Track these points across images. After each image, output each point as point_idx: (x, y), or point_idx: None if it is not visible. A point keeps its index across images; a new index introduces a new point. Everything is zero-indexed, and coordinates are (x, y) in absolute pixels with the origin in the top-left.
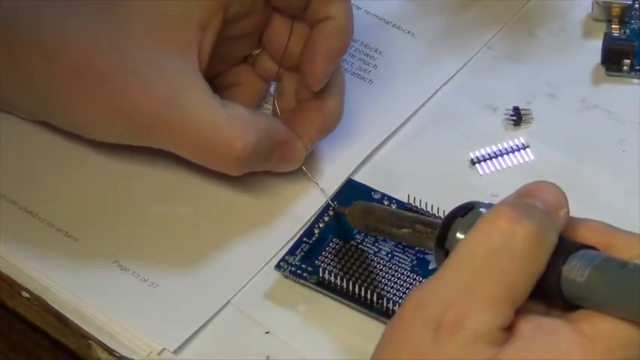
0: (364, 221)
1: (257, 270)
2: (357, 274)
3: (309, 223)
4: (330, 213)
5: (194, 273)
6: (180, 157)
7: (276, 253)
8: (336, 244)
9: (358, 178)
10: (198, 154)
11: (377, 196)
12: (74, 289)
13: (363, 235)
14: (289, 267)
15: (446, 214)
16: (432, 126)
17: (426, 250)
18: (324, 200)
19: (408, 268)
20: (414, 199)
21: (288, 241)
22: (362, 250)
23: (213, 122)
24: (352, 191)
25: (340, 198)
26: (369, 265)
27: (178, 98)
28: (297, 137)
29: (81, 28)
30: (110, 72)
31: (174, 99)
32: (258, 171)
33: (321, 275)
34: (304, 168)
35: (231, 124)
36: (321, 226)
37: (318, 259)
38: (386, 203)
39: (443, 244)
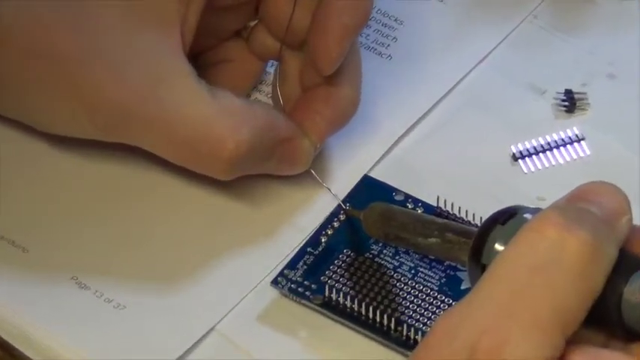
0: (383, 228)
1: (249, 288)
2: (372, 295)
3: (314, 231)
4: (341, 218)
5: (171, 293)
6: (158, 156)
7: (274, 268)
8: (348, 256)
9: (376, 174)
10: (181, 154)
11: (399, 198)
12: (21, 311)
13: (380, 245)
14: (288, 283)
15: (483, 220)
16: (465, 113)
17: (458, 265)
18: (334, 204)
19: (436, 288)
20: (445, 201)
21: (289, 254)
22: (379, 264)
23: (199, 116)
24: (369, 191)
25: (354, 199)
26: (387, 283)
27: (157, 87)
28: (303, 133)
29: (40, 4)
30: (75, 55)
31: (153, 88)
32: (254, 175)
33: (327, 294)
34: (313, 171)
35: (221, 118)
36: (329, 233)
37: (324, 275)
38: (410, 207)
39: (478, 258)
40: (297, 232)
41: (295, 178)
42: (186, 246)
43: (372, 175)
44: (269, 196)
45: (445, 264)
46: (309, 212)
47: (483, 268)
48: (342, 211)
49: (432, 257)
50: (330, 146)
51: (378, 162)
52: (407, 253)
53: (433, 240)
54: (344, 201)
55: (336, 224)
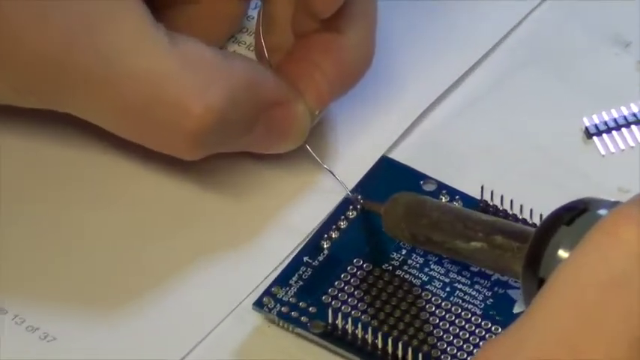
0: (409, 228)
1: (224, 313)
2: (391, 321)
3: (313, 233)
4: (350, 215)
5: (116, 322)
6: (100, 128)
7: (258, 286)
8: (359, 267)
9: (398, 156)
10: (129, 124)
11: (429, 188)
12: None
13: (405, 252)
14: (278, 305)
15: (542, 219)
16: (518, 74)
17: (509, 279)
18: (341, 195)
19: (479, 311)
20: (492, 193)
21: (278, 266)
22: (402, 279)
23: (154, 71)
24: (388, 178)
25: (367, 189)
26: (412, 304)
27: (95, 32)
28: (297, 96)
29: None
30: None
31: (89, 33)
32: (230, 153)
33: (330, 321)
34: (309, 147)
35: (184, 75)
36: (333, 237)
37: (326, 294)
38: (445, 199)
39: (536, 269)
40: (290, 235)
41: (286, 159)
42: (138, 256)
43: (393, 157)
44: (250, 185)
45: (492, 277)
46: (305, 207)
47: (541, 283)
48: (352, 205)
49: (475, 268)
50: (334, 117)
51: (400, 140)
52: (440, 263)
53: (476, 244)
54: (354, 191)
55: (343, 224)
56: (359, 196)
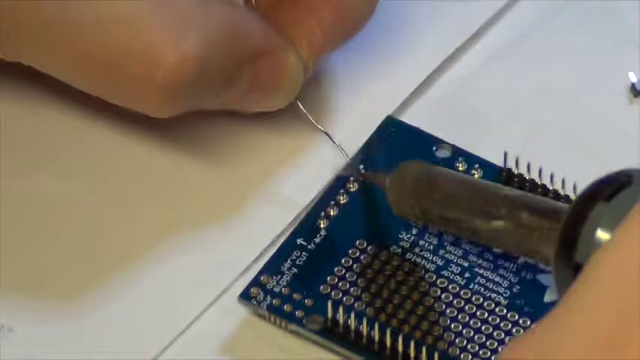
0: (420, 203)
1: (204, 305)
2: (401, 314)
3: (307, 210)
4: (351, 187)
5: (79, 311)
6: (59, 81)
7: (243, 273)
8: (362, 251)
9: (407, 118)
10: (94, 76)
11: (443, 154)
12: None
13: (416, 231)
14: (268, 297)
15: (578, 192)
16: (550, 22)
17: (540, 264)
18: (340, 163)
19: (503, 300)
20: (517, 161)
21: (268, 247)
22: (413, 263)
23: (123, 15)
24: (395, 143)
25: (370, 157)
26: (426, 294)
27: None
28: (288, 45)
29: None
30: None
31: None
32: (209, 110)
33: (330, 315)
34: (300, 104)
35: (157, 19)
36: (331, 214)
37: (325, 283)
38: (462, 168)
39: (570, 253)
40: (281, 212)
41: (276, 120)
42: (107, 235)
43: (401, 119)
44: (234, 151)
45: (519, 261)
46: (298, 177)
47: (577, 269)
48: (351, 177)
49: (498, 251)
50: (332, 71)
51: (410, 99)
52: (457, 244)
53: (500, 223)
54: (355, 158)
55: (342, 198)
56: (361, 166)
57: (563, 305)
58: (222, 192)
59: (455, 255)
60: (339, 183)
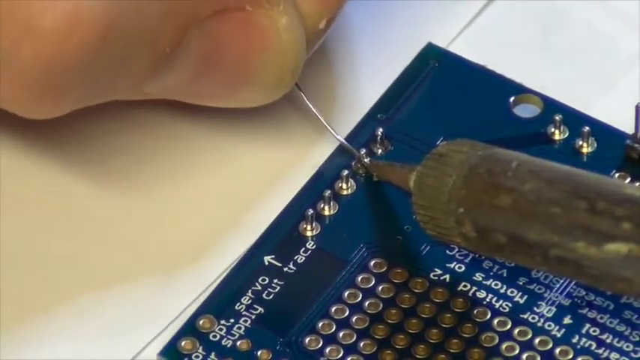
0: (474, 215)
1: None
2: None
3: (273, 222)
4: (344, 189)
5: None
6: None
7: (176, 319)
8: (376, 280)
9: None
10: None
11: (528, 111)
12: None
13: (461, 258)
14: (210, 355)
15: None
16: None
17: None
18: (329, 150)
19: None
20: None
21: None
22: (456, 313)
23: None
24: (441, 90)
25: (394, 124)
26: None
27: None
28: None
29: None
30: None
31: None
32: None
33: None
34: (303, 94)
35: None
36: (315, 229)
37: (311, 332)
38: (558, 137)
39: None
40: (246, 230)
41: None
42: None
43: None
44: (179, 145)
45: None
46: (269, 158)
47: None
48: (346, 170)
49: (620, 298)
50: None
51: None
52: (547, 283)
53: (619, 247)
54: (350, 140)
55: (327, 210)
56: (363, 151)
57: None
58: (156, 205)
59: (547, 308)
60: (328, 175)
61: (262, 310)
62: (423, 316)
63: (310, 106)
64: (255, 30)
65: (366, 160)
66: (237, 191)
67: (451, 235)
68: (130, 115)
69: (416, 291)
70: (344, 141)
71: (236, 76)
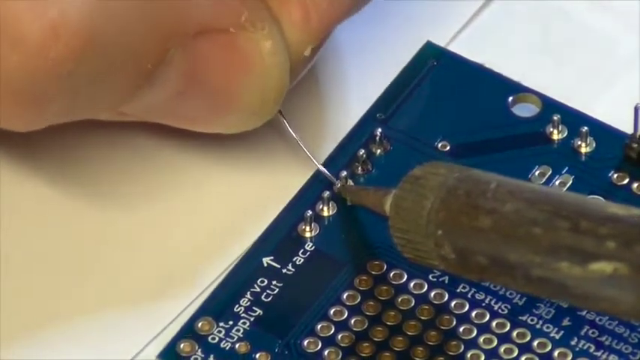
0: (453, 237)
1: None
2: None
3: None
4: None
5: None
6: None
7: (164, 330)
8: (377, 278)
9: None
10: None
11: (527, 110)
12: None
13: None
14: (209, 357)
15: None
16: None
17: None
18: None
19: None
20: None
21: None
22: (460, 303)
23: None
24: (441, 89)
25: (386, 124)
26: None
27: None
28: (262, 16)
29: None
30: None
31: None
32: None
33: None
34: (285, 121)
35: None
36: (321, 226)
37: (311, 335)
38: (556, 136)
39: None
40: (223, 254)
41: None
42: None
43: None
44: (169, 174)
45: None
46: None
47: None
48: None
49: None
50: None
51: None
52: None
53: (604, 266)
54: (349, 140)
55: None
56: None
57: None
58: (132, 235)
59: (542, 303)
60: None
61: (261, 312)
62: (422, 318)
63: (292, 132)
64: (237, 52)
65: (337, 185)
66: (233, 198)
67: (429, 258)
68: (128, 129)
69: (415, 293)
70: (322, 167)
71: (218, 99)
